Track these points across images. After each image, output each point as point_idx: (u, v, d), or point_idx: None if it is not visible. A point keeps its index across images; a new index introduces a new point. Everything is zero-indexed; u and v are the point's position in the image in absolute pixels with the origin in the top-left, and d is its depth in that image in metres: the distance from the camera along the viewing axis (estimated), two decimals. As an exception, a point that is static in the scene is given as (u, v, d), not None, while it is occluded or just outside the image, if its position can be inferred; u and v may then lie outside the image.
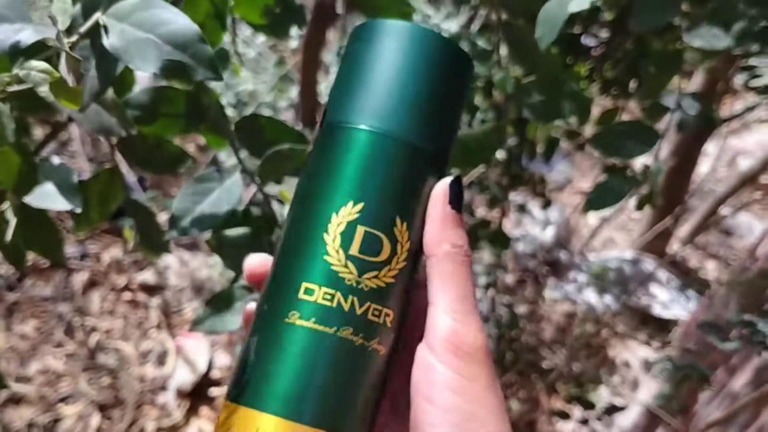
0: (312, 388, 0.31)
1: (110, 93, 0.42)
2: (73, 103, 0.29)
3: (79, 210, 0.44)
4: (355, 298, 0.32)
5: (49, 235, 0.49)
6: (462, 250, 0.34)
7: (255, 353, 0.32)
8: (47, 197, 0.44)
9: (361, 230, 0.32)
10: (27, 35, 0.28)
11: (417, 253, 0.35)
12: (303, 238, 0.33)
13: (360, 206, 0.33)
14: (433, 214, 0.34)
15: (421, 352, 0.33)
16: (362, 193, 0.33)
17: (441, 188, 0.35)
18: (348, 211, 0.33)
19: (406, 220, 0.33)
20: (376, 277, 0.32)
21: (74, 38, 0.29)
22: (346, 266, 0.32)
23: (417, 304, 0.35)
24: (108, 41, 0.29)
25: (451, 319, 0.33)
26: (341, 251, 0.32)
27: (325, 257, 0.32)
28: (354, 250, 0.32)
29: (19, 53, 0.29)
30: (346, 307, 0.32)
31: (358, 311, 0.32)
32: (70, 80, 0.28)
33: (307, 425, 0.30)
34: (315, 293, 0.32)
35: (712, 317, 1.14)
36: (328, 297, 0.32)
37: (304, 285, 0.32)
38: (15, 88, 0.42)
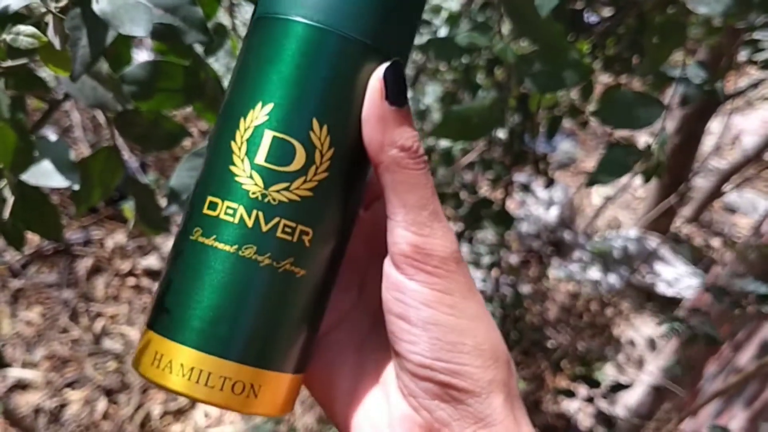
0: (221, 315, 0.28)
1: (106, 67, 0.41)
2: (63, 69, 0.29)
3: (76, 186, 0.43)
4: (261, 213, 0.28)
5: (47, 213, 0.49)
6: (411, 152, 0.29)
7: (165, 275, 0.29)
8: (44, 174, 0.44)
9: (269, 135, 0.28)
10: (15, 0, 0.28)
11: (353, 161, 0.30)
12: (214, 147, 0.29)
13: (269, 107, 0.28)
14: (370, 115, 0.29)
15: (388, 269, 0.31)
16: (272, 92, 0.28)
17: (375, 81, 0.29)
18: (255, 114, 0.28)
19: (326, 123, 0.28)
20: (287, 189, 0.28)
21: (63, 3, 0.29)
22: (250, 177, 0.28)
23: (380, 214, 0.32)
24: (98, 6, 0.29)
25: (411, 234, 0.29)
26: (246, 160, 0.28)
27: (230, 167, 0.28)
28: (260, 158, 0.28)
29: (6, 19, 0.29)
30: (250, 223, 0.28)
31: (264, 228, 0.28)
32: (57, 43, 0.28)
33: (214, 355, 0.28)
34: (218, 207, 0.28)
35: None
36: (230, 212, 0.28)
37: (209, 199, 0.28)
38: (9, 63, 0.41)
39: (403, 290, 0.30)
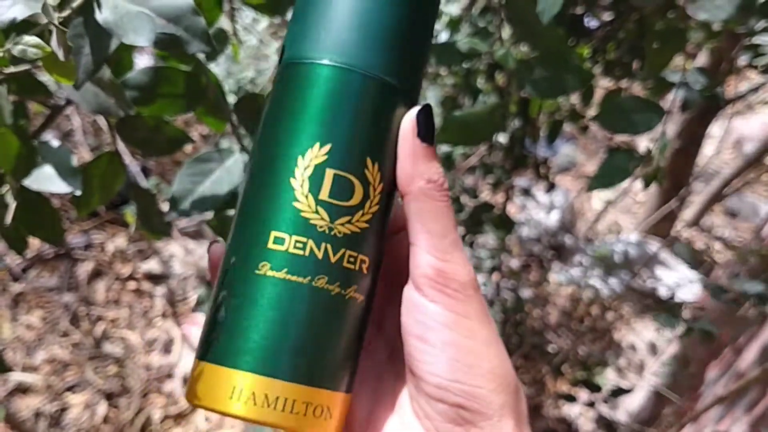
0: (288, 341, 0.30)
1: (108, 73, 0.41)
2: (67, 79, 0.29)
3: (78, 192, 0.43)
4: (329, 245, 0.30)
5: (49, 218, 0.49)
6: (437, 185, 0.32)
7: (225, 308, 0.31)
8: (46, 180, 0.44)
9: (330, 173, 0.30)
10: (19, 10, 0.28)
11: (390, 194, 0.33)
12: (269, 185, 0.31)
13: (327, 147, 0.30)
14: (403, 150, 0.32)
15: (409, 293, 0.32)
16: (329, 133, 0.31)
17: (408, 121, 0.32)
18: (315, 154, 0.30)
19: (377, 161, 0.31)
20: (349, 222, 0.31)
21: (66, 13, 0.29)
22: (316, 212, 0.30)
23: (400, 247, 0.34)
24: (101, 16, 0.29)
25: (433, 258, 0.31)
26: (311, 196, 0.30)
27: (294, 203, 0.30)
28: (324, 194, 0.30)
29: (11, 29, 0.29)
30: (320, 255, 0.30)
31: (333, 259, 0.30)
32: (61, 54, 0.28)
33: (285, 380, 0.29)
34: (285, 242, 0.30)
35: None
36: (300, 245, 0.30)
37: (274, 234, 0.30)
38: (11, 69, 0.41)
39: (424, 312, 0.31)
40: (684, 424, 1.09)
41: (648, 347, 1.84)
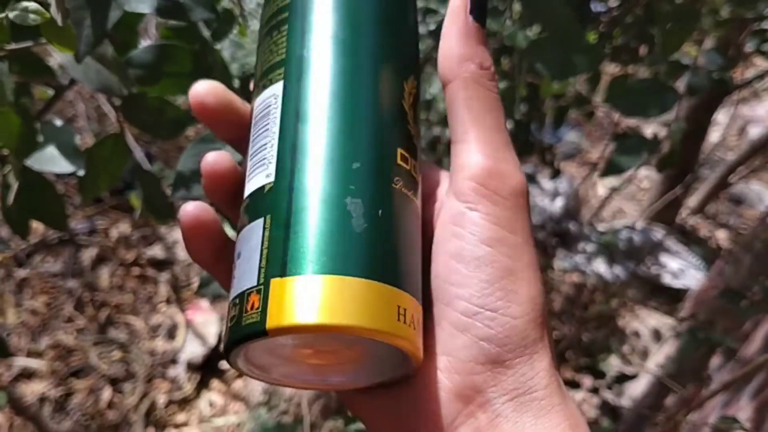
0: (411, 258, 0.28)
1: (111, 51, 0.40)
2: (67, 47, 0.28)
3: (81, 172, 0.43)
4: (416, 163, 0.30)
5: (52, 201, 0.48)
6: (489, 72, 0.28)
7: (365, 218, 0.28)
8: (49, 160, 0.43)
9: (415, 99, 0.31)
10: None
11: None
12: (383, 104, 0.30)
13: (413, 79, 0.31)
14: (452, 30, 0.29)
15: (449, 202, 0.28)
16: (414, 67, 0.32)
17: None
18: (412, 84, 0.31)
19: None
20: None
21: (68, -19, 0.28)
22: (417, 135, 0.31)
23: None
24: (104, -15, 0.28)
25: (484, 156, 0.27)
26: (413, 123, 0.31)
27: (408, 127, 0.30)
28: (414, 120, 0.31)
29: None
30: (415, 173, 0.30)
31: (415, 174, 0.30)
32: (59, 19, 0.27)
33: (413, 297, 0.27)
34: (408, 162, 0.30)
35: (725, 284, 1.13)
36: (413, 165, 0.30)
37: (400, 152, 0.29)
38: (13, 46, 0.41)
39: (463, 223, 0.27)
40: (689, 411, 1.09)
41: (652, 334, 1.84)
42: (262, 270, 0.26)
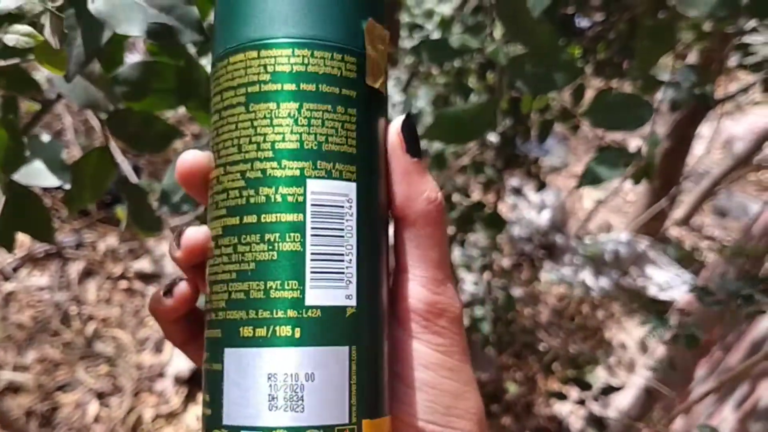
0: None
1: (98, 67, 0.41)
2: (58, 69, 0.29)
3: (68, 186, 0.43)
4: None
5: (39, 214, 0.49)
6: (436, 203, 0.29)
7: None
8: (36, 174, 0.44)
9: None
10: (11, 0, 0.28)
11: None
12: None
13: None
14: (396, 170, 0.29)
15: (391, 331, 0.30)
16: None
17: (395, 137, 0.29)
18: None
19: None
20: None
21: (60, 2, 0.29)
22: None
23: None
24: (93, 5, 0.29)
25: (427, 291, 0.29)
26: None
27: None
28: None
29: (1, 19, 0.29)
30: None
31: None
32: (55, 42, 0.28)
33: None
34: None
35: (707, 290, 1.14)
36: None
37: None
38: (1, 63, 0.41)
39: (406, 350, 0.29)
40: (674, 417, 1.10)
41: (638, 345, 1.85)
42: (354, 408, 0.26)
